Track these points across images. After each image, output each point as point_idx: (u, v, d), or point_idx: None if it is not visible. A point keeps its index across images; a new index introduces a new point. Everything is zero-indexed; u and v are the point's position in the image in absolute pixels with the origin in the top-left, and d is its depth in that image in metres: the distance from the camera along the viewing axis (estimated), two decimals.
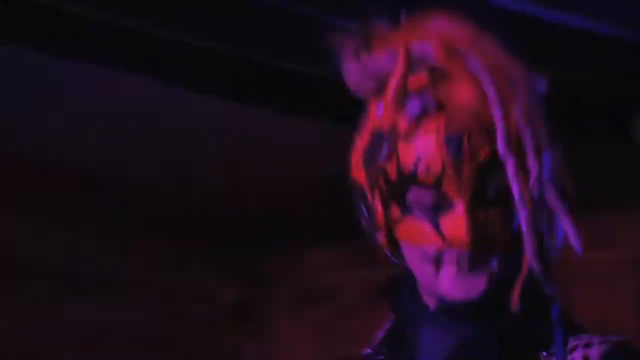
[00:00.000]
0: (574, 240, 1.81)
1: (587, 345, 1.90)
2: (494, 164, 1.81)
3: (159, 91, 5.02)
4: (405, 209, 1.86)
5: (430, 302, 1.87)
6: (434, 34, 1.89)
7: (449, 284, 1.85)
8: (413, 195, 1.84)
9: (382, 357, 1.98)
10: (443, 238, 1.84)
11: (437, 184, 1.83)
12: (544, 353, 1.87)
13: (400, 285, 1.97)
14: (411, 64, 1.88)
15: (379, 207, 1.89)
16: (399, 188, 1.86)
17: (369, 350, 1.99)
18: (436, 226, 1.85)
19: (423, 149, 1.85)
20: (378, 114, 1.89)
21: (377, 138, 1.88)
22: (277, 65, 4.89)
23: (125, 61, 4.96)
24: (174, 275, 6.09)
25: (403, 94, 1.88)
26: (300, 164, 5.53)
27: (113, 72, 4.87)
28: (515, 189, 1.84)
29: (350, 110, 1.87)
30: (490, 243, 1.84)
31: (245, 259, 6.24)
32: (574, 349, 1.90)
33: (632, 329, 4.85)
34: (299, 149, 5.44)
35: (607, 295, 5.57)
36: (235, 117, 5.42)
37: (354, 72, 1.88)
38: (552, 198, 1.88)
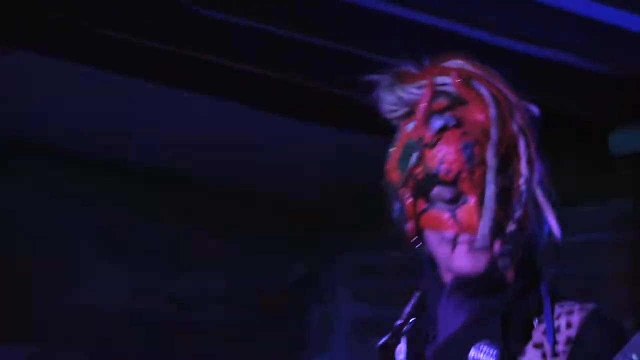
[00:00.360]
0: (556, 230, 2.26)
1: (570, 313, 2.28)
2: (503, 167, 2.27)
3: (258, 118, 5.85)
4: (430, 203, 2.24)
5: (447, 279, 2.27)
6: (452, 70, 2.30)
7: (461, 260, 2.24)
8: (436, 191, 2.22)
9: (409, 326, 2.37)
10: (459, 225, 2.23)
11: (455, 182, 2.22)
12: (536, 320, 2.26)
13: (423, 269, 2.35)
14: (435, 92, 2.28)
15: (408, 202, 2.27)
16: (425, 186, 2.24)
17: (399, 321, 2.37)
18: (454, 215, 2.23)
19: (444, 156, 2.23)
20: (409, 130, 2.28)
21: (408, 148, 2.27)
22: (343, 96, 5.46)
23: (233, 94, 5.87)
24: (264, 255, 6.72)
25: (429, 114, 2.26)
26: (344, 169, 6.17)
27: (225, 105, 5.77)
28: (490, 187, 2.28)
29: (383, 127, 2.29)
30: (494, 229, 2.23)
31: (313, 241, 6.79)
32: (559, 316, 2.28)
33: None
34: (345, 157, 6.08)
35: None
36: (305, 140, 6.13)
37: (388, 100, 2.28)
38: (540, 197, 2.29)
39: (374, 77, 2.28)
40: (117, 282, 6.23)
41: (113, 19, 5.17)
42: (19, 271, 6.10)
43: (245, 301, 6.69)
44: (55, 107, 5.76)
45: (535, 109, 2.33)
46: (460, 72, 2.32)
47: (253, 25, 5.22)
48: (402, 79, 2.30)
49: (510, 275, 2.29)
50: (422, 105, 2.28)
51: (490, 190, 2.23)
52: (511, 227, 2.25)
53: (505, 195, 2.26)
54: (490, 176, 2.24)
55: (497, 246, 2.26)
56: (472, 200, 2.24)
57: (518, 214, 2.26)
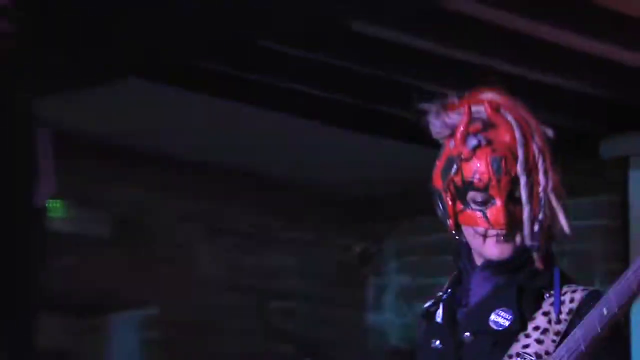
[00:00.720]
0: (566, 227, 2.51)
1: (574, 292, 2.49)
2: (519, 178, 2.48)
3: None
4: (466, 204, 2.51)
5: (479, 262, 2.55)
6: (485, 100, 2.54)
7: (491, 249, 2.50)
8: (470, 195, 2.49)
9: (447, 295, 2.64)
10: (488, 222, 2.48)
11: (485, 189, 2.48)
12: (547, 294, 2.51)
13: (460, 252, 2.59)
14: (471, 118, 2.50)
15: (449, 203, 2.53)
16: (462, 191, 2.51)
17: (440, 292, 2.66)
18: (484, 215, 2.49)
19: (477, 168, 2.48)
20: (451, 147, 2.54)
21: (450, 161, 2.53)
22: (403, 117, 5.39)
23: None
24: (329, 236, 7.41)
25: (466, 135, 2.51)
26: (393, 172, 6.78)
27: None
28: (524, 196, 2.47)
29: (433, 143, 2.60)
30: (517, 225, 2.48)
31: (369, 228, 7.54)
32: (565, 293, 2.49)
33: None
34: (400, 165, 6.51)
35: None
36: (370, 155, 6.70)
37: (436, 124, 2.56)
38: (553, 201, 2.51)
39: (427, 105, 2.60)
40: (217, 258, 6.90)
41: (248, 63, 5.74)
42: (143, 251, 6.58)
43: (319, 274, 7.25)
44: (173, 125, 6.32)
45: (550, 131, 2.59)
46: (491, 102, 2.56)
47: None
48: (447, 107, 2.58)
49: (538, 263, 2.54)
50: (461, 128, 2.53)
51: (525, 197, 2.48)
52: (536, 226, 2.52)
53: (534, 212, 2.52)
54: (523, 185, 2.49)
55: (518, 238, 2.52)
56: (498, 203, 2.49)
57: (540, 215, 2.51)
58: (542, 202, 2.51)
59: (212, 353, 6.69)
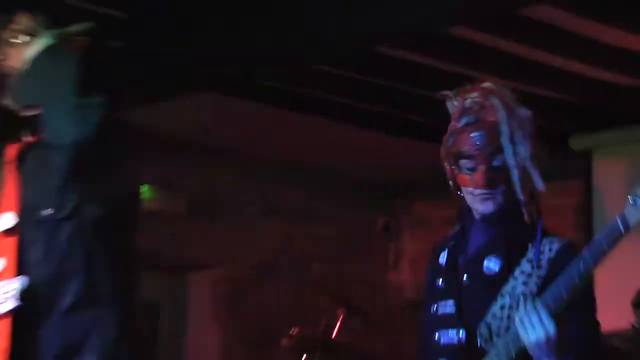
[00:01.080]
0: (540, 185, 2.59)
1: (552, 242, 2.56)
2: (500, 148, 2.56)
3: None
4: (460, 169, 2.61)
5: (477, 216, 2.63)
6: (480, 87, 2.67)
7: (477, 205, 2.61)
8: (462, 162, 2.60)
9: (451, 243, 2.73)
10: (475, 183, 2.58)
11: (471, 157, 2.58)
12: (530, 244, 2.57)
13: (463, 210, 2.68)
14: (465, 101, 2.63)
15: (449, 169, 2.65)
16: (456, 158, 2.62)
17: (446, 239, 2.76)
18: (472, 178, 2.60)
19: (465, 140, 2.59)
20: (451, 124, 2.66)
21: (450, 135, 2.65)
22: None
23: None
24: (359, 213, 7.49)
25: (461, 115, 2.63)
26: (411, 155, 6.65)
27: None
28: (510, 162, 2.55)
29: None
30: (497, 186, 2.56)
31: (390, 204, 7.70)
32: (545, 243, 2.55)
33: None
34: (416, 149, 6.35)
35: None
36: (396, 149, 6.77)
37: (450, 106, 2.68)
38: (530, 166, 2.58)
39: (447, 92, 2.71)
40: (272, 230, 7.08)
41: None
42: (214, 224, 6.73)
43: (351, 242, 7.49)
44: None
45: (527, 111, 2.66)
46: (483, 89, 2.66)
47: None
48: (459, 93, 2.69)
49: (526, 217, 2.60)
50: (457, 109, 2.65)
51: (512, 162, 2.56)
52: (510, 185, 2.59)
53: (505, 166, 2.60)
54: (508, 153, 2.56)
55: (499, 196, 2.59)
56: (481, 168, 2.57)
57: (515, 176, 2.58)
58: (520, 167, 2.59)
59: (267, 303, 6.89)
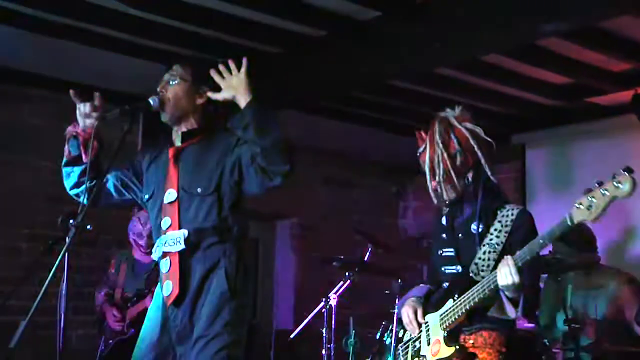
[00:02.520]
0: (488, 171, 2.58)
1: (513, 208, 2.58)
2: (457, 156, 2.59)
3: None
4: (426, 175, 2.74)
5: (449, 201, 2.71)
6: (434, 121, 2.68)
7: (444, 194, 2.64)
8: (423, 171, 2.70)
9: (449, 210, 2.68)
10: (436, 180, 2.70)
11: (433, 170, 2.65)
12: (499, 210, 2.58)
13: (436, 199, 2.69)
14: (428, 133, 2.65)
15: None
16: (430, 181, 2.70)
17: (445, 207, 2.72)
18: (432, 180, 2.68)
19: (423, 160, 2.72)
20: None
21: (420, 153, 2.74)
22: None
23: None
24: (381, 183, 7.22)
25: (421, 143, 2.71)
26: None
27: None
28: (447, 171, 2.57)
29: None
30: (454, 181, 2.59)
31: (400, 178, 7.19)
32: (508, 210, 2.58)
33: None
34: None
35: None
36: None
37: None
38: (483, 162, 2.61)
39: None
40: (324, 194, 6.88)
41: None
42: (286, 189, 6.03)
43: (375, 202, 7.24)
44: None
45: (479, 130, 2.65)
46: (433, 122, 2.66)
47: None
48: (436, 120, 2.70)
49: (477, 195, 2.60)
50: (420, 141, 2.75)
51: (448, 171, 2.56)
52: (467, 179, 2.60)
53: (463, 167, 2.60)
54: (458, 161, 2.57)
55: (459, 188, 2.58)
56: (431, 176, 2.63)
57: (471, 170, 2.60)
58: (477, 163, 2.60)
59: (324, 240, 6.67)
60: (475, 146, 2.57)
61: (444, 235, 2.71)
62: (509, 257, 2.39)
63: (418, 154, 2.66)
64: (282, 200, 6.09)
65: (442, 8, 4.01)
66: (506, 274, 2.35)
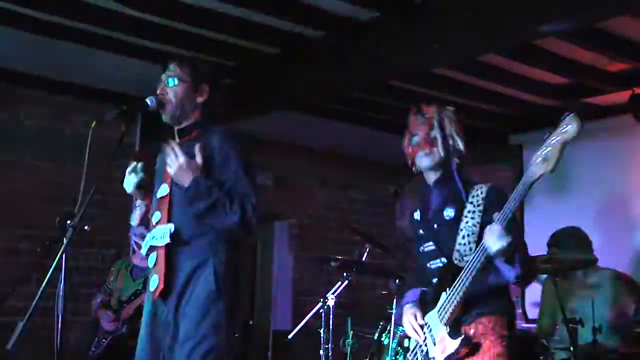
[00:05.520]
0: (462, 148, 2.56)
1: (481, 187, 2.55)
2: (435, 139, 2.60)
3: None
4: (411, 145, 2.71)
5: (430, 181, 2.67)
6: (428, 111, 2.67)
7: (427, 174, 2.67)
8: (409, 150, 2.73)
9: (420, 204, 2.72)
10: (414, 148, 2.66)
11: (415, 146, 2.64)
12: (470, 192, 2.54)
13: (421, 185, 2.71)
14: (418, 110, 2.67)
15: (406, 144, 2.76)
16: (407, 147, 2.71)
17: (414, 204, 2.74)
18: (416, 153, 2.66)
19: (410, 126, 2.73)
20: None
21: (407, 135, 2.70)
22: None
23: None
24: (378, 184, 7.14)
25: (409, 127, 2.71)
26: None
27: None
28: (447, 145, 2.56)
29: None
30: (430, 151, 2.60)
31: (397, 178, 6.23)
32: (478, 189, 2.57)
33: None
34: None
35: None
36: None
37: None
38: (457, 139, 2.60)
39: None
40: (324, 194, 6.92)
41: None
42: (286, 190, 6.59)
43: (374, 201, 7.29)
44: None
45: (453, 114, 2.63)
46: (422, 107, 2.68)
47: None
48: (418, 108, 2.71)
49: (452, 173, 2.59)
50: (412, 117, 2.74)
51: (439, 137, 2.57)
52: (446, 156, 2.59)
53: (443, 145, 2.61)
54: (438, 141, 2.59)
55: (439, 166, 2.58)
56: (423, 151, 2.61)
57: (450, 147, 2.59)
58: (447, 142, 2.60)
59: (322, 240, 6.79)
60: (461, 143, 2.60)
61: (420, 231, 2.69)
62: (492, 224, 2.35)
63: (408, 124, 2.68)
64: (280, 201, 6.32)
65: (440, 8, 4.01)
66: (496, 239, 2.30)
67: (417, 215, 2.72)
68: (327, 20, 4.31)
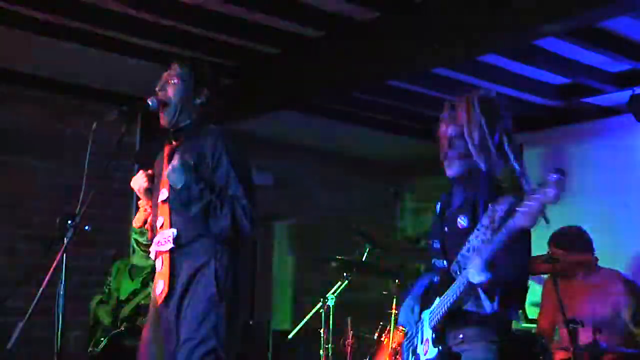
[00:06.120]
0: (484, 167, 2.42)
1: (502, 203, 2.27)
2: (462, 133, 2.47)
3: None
4: (442, 147, 2.58)
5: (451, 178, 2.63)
6: (457, 100, 2.54)
7: (447, 170, 2.54)
8: (441, 142, 2.55)
9: (444, 198, 2.63)
10: (444, 155, 2.56)
11: (448, 141, 2.55)
12: (490, 205, 2.27)
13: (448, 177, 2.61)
14: (449, 109, 2.53)
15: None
16: (442, 142, 2.57)
17: (443, 197, 2.66)
18: (445, 152, 2.53)
19: (446, 133, 2.55)
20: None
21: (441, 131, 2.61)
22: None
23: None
24: (379, 184, 7.09)
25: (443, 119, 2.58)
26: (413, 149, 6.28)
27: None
28: (469, 143, 2.41)
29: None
30: (456, 157, 2.50)
31: (397, 179, 7.27)
32: (500, 203, 2.26)
33: None
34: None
35: None
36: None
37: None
38: (490, 144, 2.42)
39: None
40: (324, 195, 6.83)
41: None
42: (285, 190, 6.61)
43: (373, 203, 7.16)
44: None
45: (490, 104, 2.47)
46: (456, 102, 2.56)
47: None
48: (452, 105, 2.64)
49: (478, 175, 2.44)
50: (443, 115, 2.62)
51: (474, 143, 2.42)
52: (468, 155, 2.45)
53: (466, 144, 2.48)
54: (467, 136, 2.43)
55: (461, 164, 2.47)
56: (446, 147, 2.53)
57: (473, 151, 2.41)
58: (477, 144, 2.46)
59: (322, 240, 6.65)
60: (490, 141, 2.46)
61: (434, 225, 2.66)
62: (475, 256, 2.30)
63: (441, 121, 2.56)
64: (280, 201, 6.24)
65: (440, 8, 4.00)
66: (475, 274, 2.25)
67: (438, 206, 2.69)
68: (327, 20, 4.30)
